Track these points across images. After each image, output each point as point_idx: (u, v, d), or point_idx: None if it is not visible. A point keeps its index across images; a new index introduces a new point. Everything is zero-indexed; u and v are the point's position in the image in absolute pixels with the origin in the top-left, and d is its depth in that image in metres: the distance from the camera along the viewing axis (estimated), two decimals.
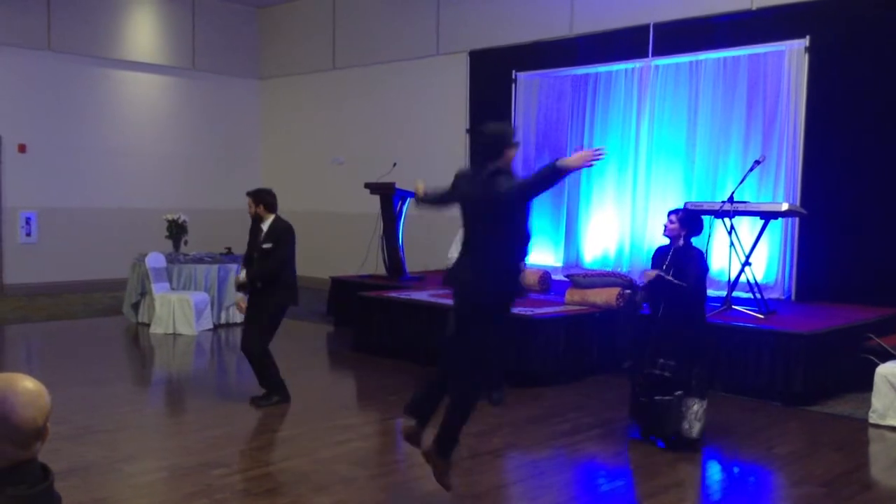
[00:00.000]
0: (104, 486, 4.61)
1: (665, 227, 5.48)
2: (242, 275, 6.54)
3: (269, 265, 6.37)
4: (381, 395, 6.85)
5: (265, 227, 6.46)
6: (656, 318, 5.42)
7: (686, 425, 5.20)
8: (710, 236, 7.87)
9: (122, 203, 13.38)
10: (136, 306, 10.10)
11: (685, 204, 8.39)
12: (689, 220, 5.42)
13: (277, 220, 6.51)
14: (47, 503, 2.04)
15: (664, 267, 5.37)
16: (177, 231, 10.38)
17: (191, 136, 14.28)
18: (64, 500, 2.11)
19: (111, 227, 13.12)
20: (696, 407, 5.22)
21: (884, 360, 6.30)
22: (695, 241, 5.44)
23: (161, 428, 6.08)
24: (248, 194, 6.57)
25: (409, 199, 10.44)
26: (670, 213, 5.55)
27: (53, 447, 4.62)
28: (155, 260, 9.85)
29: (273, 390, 6.47)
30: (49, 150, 12.64)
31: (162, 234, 10.50)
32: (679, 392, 5.18)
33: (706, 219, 6.48)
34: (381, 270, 10.75)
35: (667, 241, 5.51)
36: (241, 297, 6.58)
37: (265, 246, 6.40)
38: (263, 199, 6.51)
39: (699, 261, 5.38)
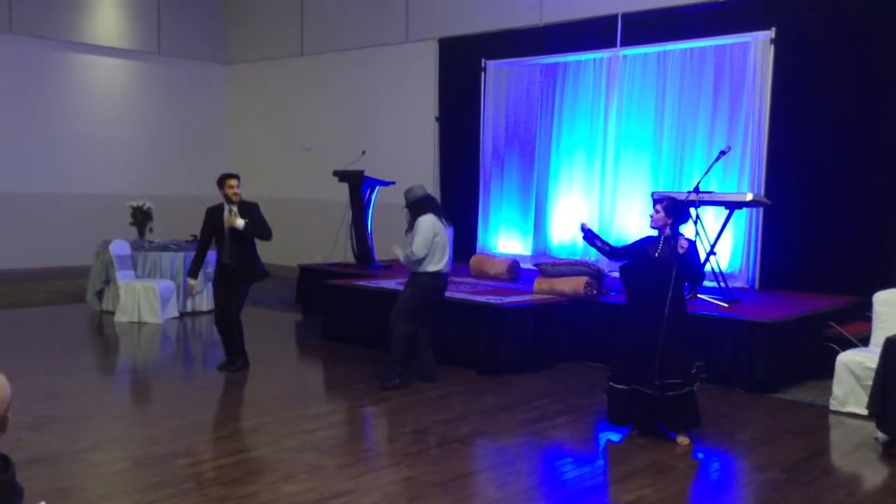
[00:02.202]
0: (68, 475, 4.55)
1: (651, 217, 5.39)
2: (194, 282, 7.43)
3: (257, 229, 6.93)
4: (349, 384, 6.84)
5: (235, 207, 6.92)
6: (659, 309, 5.21)
7: (698, 411, 5.29)
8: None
9: (85, 189, 13.17)
10: (99, 294, 9.96)
11: (651, 193, 8.46)
12: (674, 209, 5.34)
13: (243, 199, 7.01)
14: (8, 494, 2.01)
15: (656, 254, 5.30)
16: (142, 218, 10.25)
17: (156, 121, 14.08)
18: (27, 489, 2.09)
19: (74, 214, 12.92)
20: (696, 392, 5.33)
21: (844, 348, 6.42)
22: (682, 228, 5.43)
23: (126, 417, 6.01)
24: (237, 176, 6.99)
25: (378, 187, 10.40)
26: (655, 202, 5.49)
27: (16, 437, 4.56)
28: (119, 247, 9.72)
29: (238, 354, 7.12)
30: (11, 134, 12.39)
31: (126, 221, 10.36)
32: (703, 377, 5.26)
33: None
34: (350, 258, 10.71)
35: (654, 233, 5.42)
36: (194, 283, 7.45)
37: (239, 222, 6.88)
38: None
39: (695, 248, 5.39)
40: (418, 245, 6.48)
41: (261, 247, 7.14)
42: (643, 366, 5.24)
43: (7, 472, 2.01)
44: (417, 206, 6.63)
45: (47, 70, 12.81)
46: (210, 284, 9.95)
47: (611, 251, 5.62)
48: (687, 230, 5.69)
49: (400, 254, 6.61)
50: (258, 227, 6.94)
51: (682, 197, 7.57)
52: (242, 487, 4.40)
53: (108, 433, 5.43)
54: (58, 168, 12.92)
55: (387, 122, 12.50)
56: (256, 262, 7.09)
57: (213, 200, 7.18)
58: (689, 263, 5.27)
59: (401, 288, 8.06)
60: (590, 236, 5.62)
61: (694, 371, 5.28)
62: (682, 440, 5.28)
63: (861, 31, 8.25)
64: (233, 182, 6.91)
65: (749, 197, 7.87)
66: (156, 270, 9.83)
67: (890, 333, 5.56)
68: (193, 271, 7.35)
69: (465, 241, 10.42)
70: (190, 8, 14.35)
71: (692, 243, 5.36)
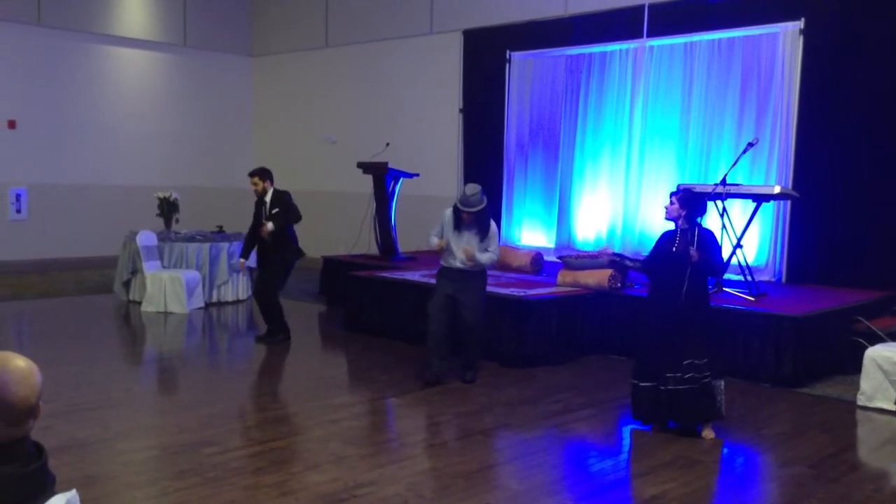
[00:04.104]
0: (96, 463, 4.61)
1: (666, 209, 5.34)
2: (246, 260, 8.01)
3: (288, 217, 7.57)
4: (373, 375, 6.87)
5: (269, 198, 7.63)
6: (675, 304, 5.18)
7: (719, 404, 5.26)
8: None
9: (113, 180, 13.30)
10: (126, 284, 10.07)
11: (677, 186, 8.39)
12: (688, 200, 5.26)
13: (276, 190, 7.70)
14: (41, 481, 2.03)
15: (674, 248, 5.25)
16: (168, 209, 10.33)
17: (182, 113, 14.18)
18: (56, 477, 2.11)
19: (102, 205, 13.05)
20: (722, 385, 5.28)
21: (872, 343, 6.34)
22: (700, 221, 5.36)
23: (153, 406, 6.08)
24: (256, 174, 7.64)
25: (401, 179, 10.41)
26: (671, 194, 5.45)
27: (45, 424, 4.62)
28: (146, 238, 9.81)
29: (279, 329, 7.77)
30: (39, 126, 12.53)
31: (153, 212, 10.45)
32: (709, 374, 5.19)
33: None
34: (374, 250, 10.74)
35: (672, 226, 5.35)
36: (243, 261, 8.03)
37: (274, 211, 7.55)
38: (269, 175, 7.70)
39: (715, 240, 5.32)
40: (498, 246, 6.57)
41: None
42: (663, 361, 5.20)
43: (40, 460, 2.03)
44: (487, 210, 6.47)
45: (75, 62, 12.93)
46: (235, 276, 10.18)
47: (642, 266, 5.56)
48: (711, 222, 5.63)
49: (481, 257, 6.40)
50: (285, 215, 7.58)
51: (709, 189, 7.52)
52: (268, 476, 4.44)
53: (136, 422, 5.50)
54: (85, 159, 13.04)
55: (411, 114, 12.50)
56: (284, 243, 7.65)
57: (238, 192, 7.49)
58: (705, 257, 5.18)
59: (425, 280, 8.08)
60: (618, 263, 5.57)
61: (687, 363, 5.15)
62: (708, 434, 5.24)
63: (892, 21, 8.11)
64: (251, 180, 7.67)
65: (777, 189, 7.79)
66: (182, 261, 9.92)
67: None
68: (243, 252, 8.07)
69: None
70: (215, 0, 14.40)
71: (710, 234, 5.29)
